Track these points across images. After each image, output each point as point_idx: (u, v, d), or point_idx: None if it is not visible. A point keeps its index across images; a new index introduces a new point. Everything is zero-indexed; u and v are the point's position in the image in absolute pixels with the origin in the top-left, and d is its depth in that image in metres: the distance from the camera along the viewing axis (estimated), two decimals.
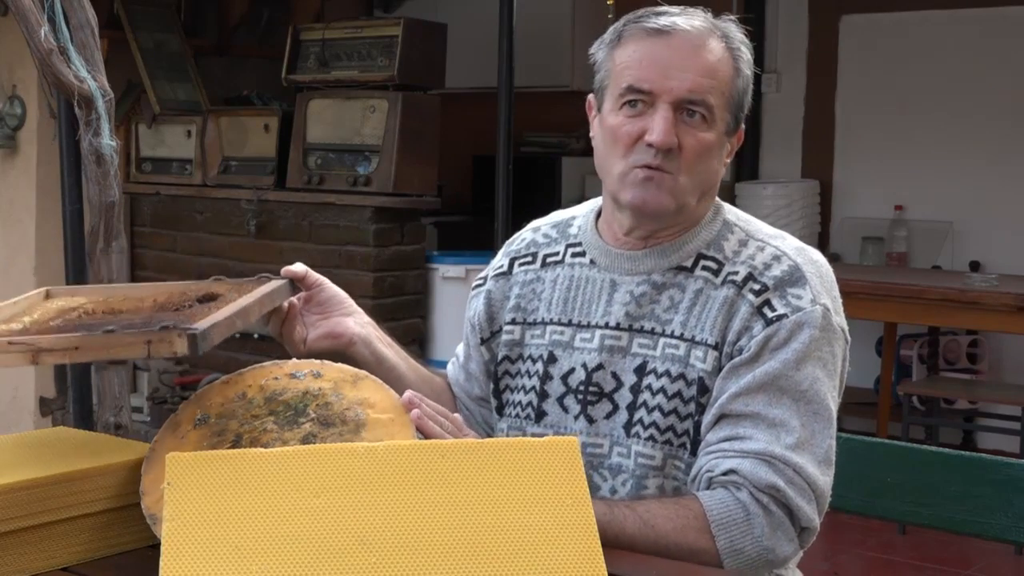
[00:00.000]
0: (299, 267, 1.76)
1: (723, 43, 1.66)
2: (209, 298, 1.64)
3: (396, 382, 1.78)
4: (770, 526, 1.56)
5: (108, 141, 2.76)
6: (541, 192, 5.85)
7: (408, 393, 1.48)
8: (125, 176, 5.37)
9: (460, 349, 1.94)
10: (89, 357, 1.44)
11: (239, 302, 1.56)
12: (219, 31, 6.05)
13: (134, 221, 5.65)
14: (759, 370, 1.59)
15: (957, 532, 1.98)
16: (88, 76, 2.74)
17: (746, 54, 1.68)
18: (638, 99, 1.63)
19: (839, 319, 1.65)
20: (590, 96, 1.74)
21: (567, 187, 5.98)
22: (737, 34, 1.69)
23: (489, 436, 1.88)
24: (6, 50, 5.26)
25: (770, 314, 1.61)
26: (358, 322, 1.80)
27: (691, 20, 1.65)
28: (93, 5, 2.83)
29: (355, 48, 5.14)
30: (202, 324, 1.41)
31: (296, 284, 1.76)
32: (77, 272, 3.17)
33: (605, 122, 1.68)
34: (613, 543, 1.46)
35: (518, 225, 1.96)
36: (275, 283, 1.70)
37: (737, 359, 1.61)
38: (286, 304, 1.75)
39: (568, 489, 1.29)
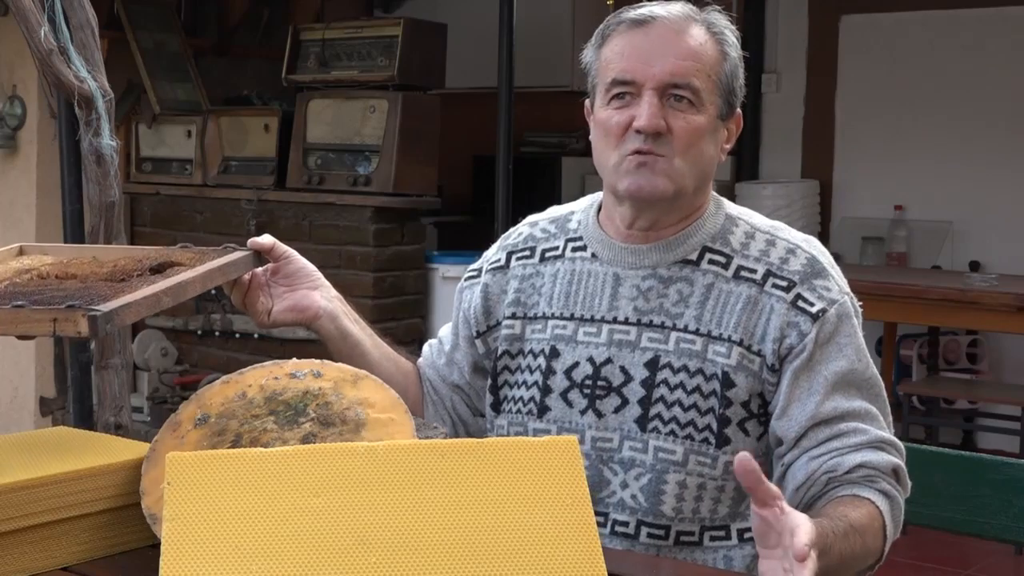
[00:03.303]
0: (266, 239, 1.77)
1: (705, 28, 1.68)
2: (165, 266, 1.64)
3: (360, 358, 1.78)
4: (900, 513, 1.61)
5: (108, 141, 2.76)
6: (541, 192, 5.84)
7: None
8: (125, 176, 5.37)
9: (445, 335, 1.92)
10: None
11: (174, 279, 1.56)
12: (219, 31, 6.05)
13: (134, 221, 5.65)
14: (825, 372, 1.62)
15: (957, 532, 1.98)
16: (88, 76, 2.73)
17: (731, 38, 1.70)
18: (624, 91, 1.66)
19: (855, 301, 1.69)
20: (586, 100, 1.76)
21: (567, 187, 5.97)
22: (721, 20, 1.70)
23: (456, 424, 1.88)
24: (6, 50, 5.26)
25: (812, 309, 1.63)
26: (325, 296, 1.80)
27: (670, 8, 1.68)
28: (93, 5, 2.83)
29: (355, 48, 5.14)
30: (108, 305, 1.41)
31: (263, 256, 1.76)
32: None
33: (597, 118, 1.71)
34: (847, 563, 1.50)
35: None
36: (234, 255, 1.69)
37: (796, 363, 1.62)
38: (247, 276, 1.74)
39: (568, 489, 1.29)
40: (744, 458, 1.28)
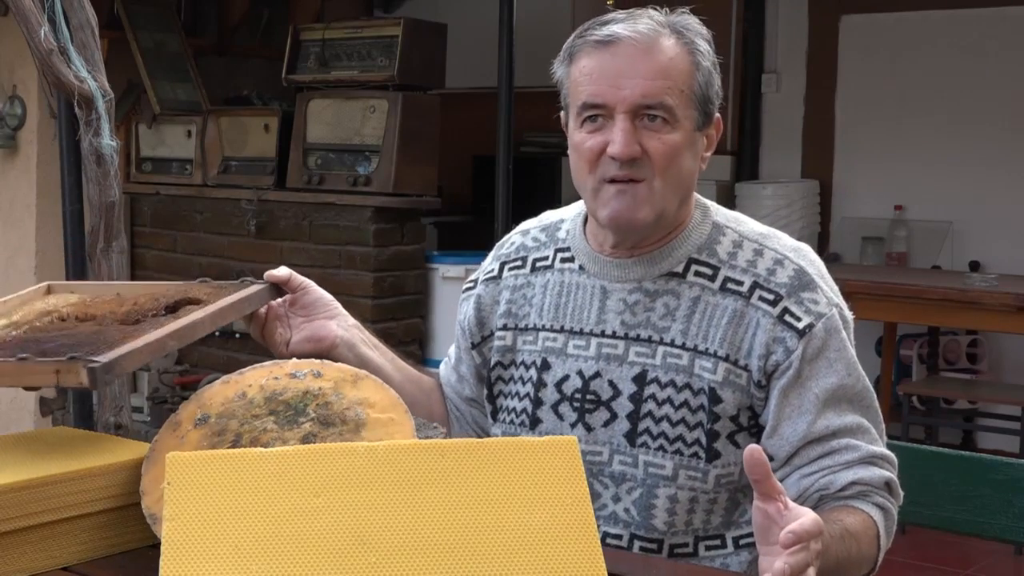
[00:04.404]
0: (283, 271, 1.76)
1: (675, 39, 1.62)
2: (182, 304, 1.65)
3: None
4: (894, 523, 1.62)
5: (108, 141, 2.76)
6: (541, 192, 5.84)
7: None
8: (125, 176, 5.37)
9: (452, 350, 1.92)
10: (5, 383, 1.47)
11: (183, 321, 1.57)
12: (219, 31, 6.05)
13: (134, 221, 5.65)
14: (815, 388, 1.60)
15: (957, 532, 1.98)
16: (88, 76, 2.73)
17: (703, 45, 1.64)
18: (596, 114, 1.62)
19: (845, 311, 1.67)
20: (561, 113, 1.72)
21: (567, 187, 5.97)
22: (691, 25, 1.65)
23: (482, 437, 1.87)
24: (6, 50, 5.26)
25: (799, 324, 1.60)
26: (341, 325, 1.79)
27: (635, 25, 1.62)
28: (93, 5, 2.83)
29: (355, 48, 5.14)
30: (108, 356, 1.42)
31: (280, 288, 1.76)
32: (77, 272, 3.17)
33: (572, 140, 1.67)
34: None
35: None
36: (251, 289, 1.71)
37: (783, 380, 1.60)
38: (263, 309, 1.75)
39: (568, 489, 1.29)
40: (754, 450, 1.28)
